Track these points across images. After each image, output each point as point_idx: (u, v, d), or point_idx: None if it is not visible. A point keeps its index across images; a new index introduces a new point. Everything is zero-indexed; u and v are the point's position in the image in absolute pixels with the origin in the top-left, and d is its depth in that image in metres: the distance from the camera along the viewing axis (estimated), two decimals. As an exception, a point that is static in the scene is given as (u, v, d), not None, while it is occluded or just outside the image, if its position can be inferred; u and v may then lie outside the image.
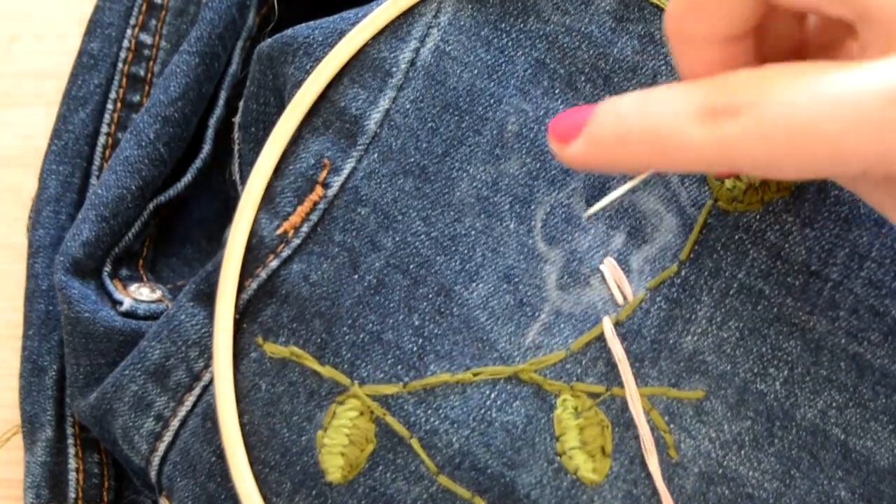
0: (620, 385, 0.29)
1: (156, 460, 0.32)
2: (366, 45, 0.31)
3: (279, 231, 0.30)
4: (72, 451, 0.36)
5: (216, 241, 0.39)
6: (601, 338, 0.29)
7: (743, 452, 0.28)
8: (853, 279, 0.29)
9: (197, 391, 0.32)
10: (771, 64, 0.22)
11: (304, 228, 0.30)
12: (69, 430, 0.36)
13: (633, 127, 0.23)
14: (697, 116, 0.22)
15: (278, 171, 0.31)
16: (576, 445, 0.28)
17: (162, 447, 0.32)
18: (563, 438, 0.29)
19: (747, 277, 0.29)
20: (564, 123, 0.25)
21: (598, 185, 0.30)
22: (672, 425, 0.29)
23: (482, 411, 0.29)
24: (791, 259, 0.29)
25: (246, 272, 0.31)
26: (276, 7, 0.37)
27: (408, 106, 0.30)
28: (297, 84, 0.31)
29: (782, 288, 0.29)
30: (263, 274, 0.30)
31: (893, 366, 0.28)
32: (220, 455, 0.31)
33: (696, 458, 0.28)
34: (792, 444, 0.28)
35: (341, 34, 0.31)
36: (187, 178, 0.37)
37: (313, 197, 0.30)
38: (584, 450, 0.28)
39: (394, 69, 0.30)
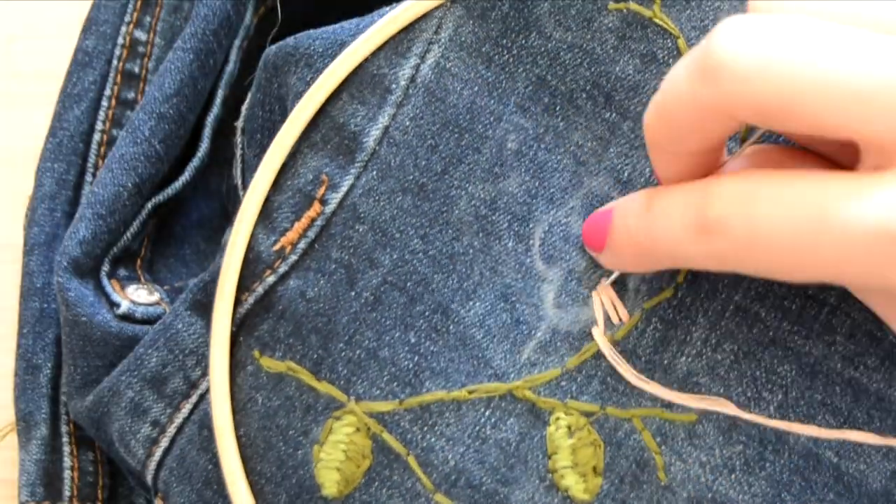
0: (614, 404, 0.29)
1: (152, 465, 0.32)
2: (365, 60, 0.30)
3: (276, 247, 0.30)
4: (66, 449, 0.36)
5: (214, 242, 0.39)
6: (597, 356, 0.29)
7: (733, 477, 0.29)
8: (850, 303, 0.29)
9: (194, 399, 0.32)
10: (754, 172, 0.23)
11: (302, 245, 0.30)
12: (64, 428, 0.36)
13: (644, 245, 0.26)
14: (694, 234, 0.24)
15: (276, 185, 0.31)
16: (567, 465, 0.29)
17: (158, 452, 0.32)
18: (555, 457, 0.29)
19: (743, 300, 0.29)
20: (591, 231, 0.28)
21: (598, 203, 0.30)
22: (663, 447, 0.29)
23: (476, 428, 0.29)
24: (788, 282, 0.29)
25: (243, 286, 0.31)
26: (277, 7, 0.37)
27: (407, 123, 0.30)
28: (298, 95, 0.30)
29: (778, 311, 0.29)
30: (260, 289, 0.30)
31: (890, 390, 0.28)
32: (216, 463, 0.31)
33: (685, 483, 0.29)
34: (784, 467, 0.29)
35: (342, 45, 0.30)
36: (185, 176, 0.37)
37: (311, 213, 0.30)
38: (575, 470, 0.29)
39: (393, 86, 0.30)
